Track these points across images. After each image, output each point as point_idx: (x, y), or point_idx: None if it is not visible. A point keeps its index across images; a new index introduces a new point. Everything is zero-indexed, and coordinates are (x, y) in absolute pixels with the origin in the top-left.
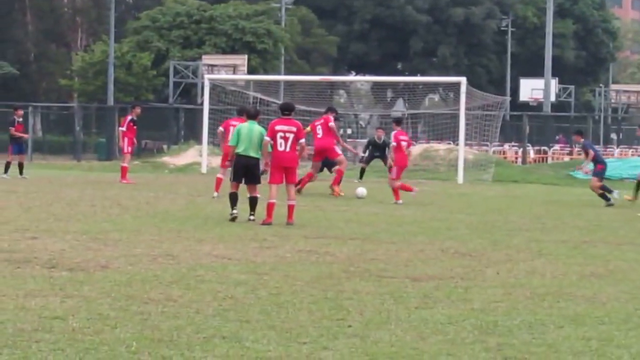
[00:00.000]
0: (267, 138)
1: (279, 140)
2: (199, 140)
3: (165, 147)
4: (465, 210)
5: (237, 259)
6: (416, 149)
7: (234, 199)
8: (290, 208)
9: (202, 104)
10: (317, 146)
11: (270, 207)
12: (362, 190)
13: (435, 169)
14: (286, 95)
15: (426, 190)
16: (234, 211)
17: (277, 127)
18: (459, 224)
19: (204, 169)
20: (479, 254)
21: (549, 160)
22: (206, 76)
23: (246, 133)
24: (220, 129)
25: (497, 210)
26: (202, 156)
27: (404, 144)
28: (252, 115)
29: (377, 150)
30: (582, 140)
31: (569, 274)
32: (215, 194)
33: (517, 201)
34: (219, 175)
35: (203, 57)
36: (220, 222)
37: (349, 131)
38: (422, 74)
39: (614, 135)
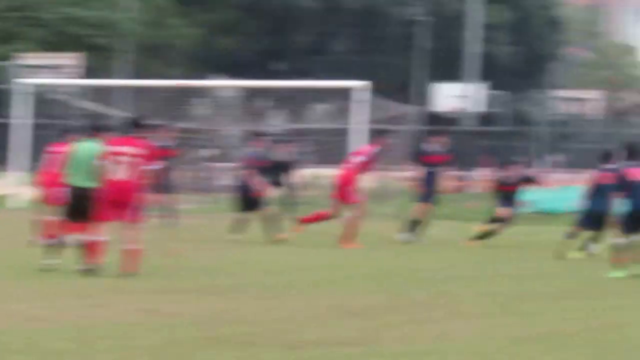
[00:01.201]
0: (99, 161)
1: (112, 165)
2: (8, 165)
3: None
4: (350, 254)
5: (56, 322)
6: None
7: (59, 243)
8: (129, 254)
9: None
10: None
11: (93, 247)
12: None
13: (322, 201)
14: (132, 106)
15: (311, 228)
16: (54, 260)
17: (112, 148)
18: (352, 272)
19: (16, 203)
20: (376, 313)
21: (475, 189)
22: (19, 80)
23: (82, 157)
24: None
25: (401, 254)
26: (16, 186)
27: None
28: (93, 132)
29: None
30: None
31: (491, 339)
32: (36, 238)
33: (428, 243)
34: (40, 217)
35: (16, 55)
36: (38, 274)
37: (211, 153)
38: (310, 77)
39: (558, 157)
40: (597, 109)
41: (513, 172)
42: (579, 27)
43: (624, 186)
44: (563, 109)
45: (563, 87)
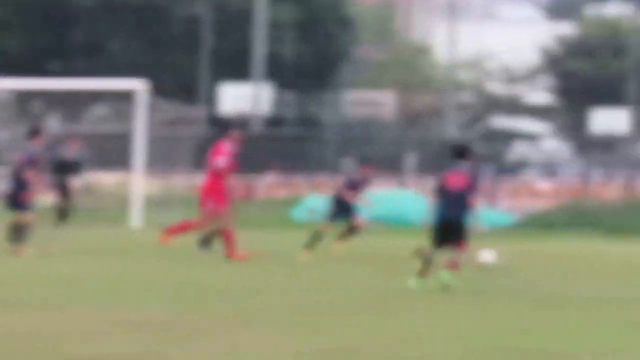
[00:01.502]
0: None
1: None
2: None
3: None
4: (146, 265)
5: None
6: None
7: None
8: None
9: None
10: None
11: None
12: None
13: (100, 208)
14: None
15: (95, 235)
16: None
17: None
18: (134, 284)
19: None
20: (163, 326)
21: (263, 196)
22: None
23: None
24: None
25: (189, 264)
26: None
27: None
28: None
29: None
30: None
31: (283, 352)
32: None
33: (219, 253)
34: None
35: None
36: None
37: None
38: (87, 77)
39: (348, 161)
40: (391, 110)
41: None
42: (371, 26)
43: (439, 193)
44: (355, 110)
45: (355, 87)
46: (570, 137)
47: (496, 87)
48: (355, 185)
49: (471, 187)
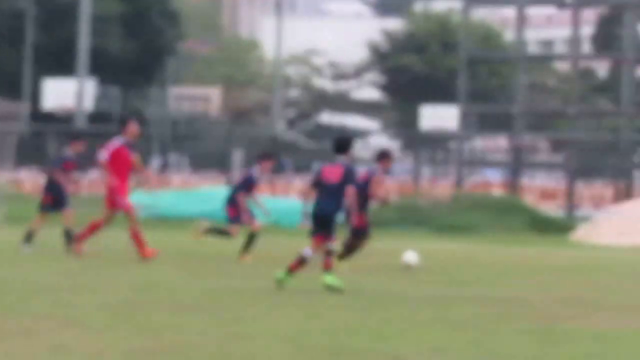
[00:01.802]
0: None
1: None
2: None
3: None
4: None
5: None
6: None
7: None
8: None
9: None
10: None
11: None
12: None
13: None
14: None
15: None
16: None
17: None
18: None
19: None
20: None
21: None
22: None
23: None
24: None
25: (12, 263)
26: None
27: None
28: None
29: None
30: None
31: (110, 351)
32: None
33: (45, 249)
34: None
35: None
36: None
37: None
38: None
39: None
40: (218, 106)
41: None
42: (198, 21)
43: (316, 187)
44: (181, 106)
45: (181, 83)
46: (400, 133)
47: (324, 84)
48: (252, 184)
49: (346, 181)
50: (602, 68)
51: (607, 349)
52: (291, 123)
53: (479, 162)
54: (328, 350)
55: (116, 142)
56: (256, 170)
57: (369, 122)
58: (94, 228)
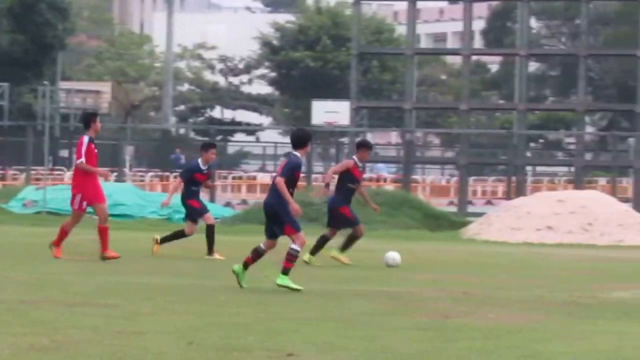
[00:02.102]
0: None
1: None
2: None
3: None
4: None
5: None
6: None
7: None
8: None
9: None
10: None
11: None
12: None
13: None
14: None
15: None
16: None
17: None
18: None
19: None
20: None
21: None
22: None
23: None
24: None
25: None
26: None
27: None
28: None
29: None
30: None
31: (1, 347)
32: None
33: None
34: None
35: None
36: None
37: None
38: None
39: (65, 153)
40: (109, 101)
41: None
42: (89, 15)
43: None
44: (71, 101)
45: (71, 77)
46: (291, 129)
47: (216, 78)
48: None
49: (280, 173)
50: (494, 62)
51: (499, 344)
52: (182, 118)
53: (371, 157)
54: (220, 347)
55: (85, 140)
56: (201, 161)
57: (260, 117)
58: (64, 232)
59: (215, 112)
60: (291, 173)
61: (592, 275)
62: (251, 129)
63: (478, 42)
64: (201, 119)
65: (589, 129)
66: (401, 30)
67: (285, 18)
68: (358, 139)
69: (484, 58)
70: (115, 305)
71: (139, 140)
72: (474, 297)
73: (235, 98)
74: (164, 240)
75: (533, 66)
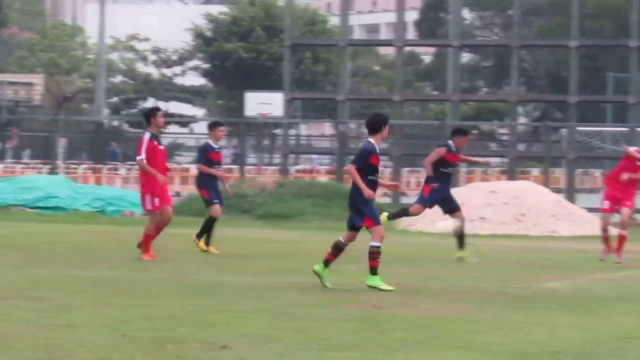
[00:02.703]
0: None
1: None
2: None
3: None
4: None
5: None
6: None
7: None
8: None
9: None
10: None
11: None
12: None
13: None
14: None
15: None
16: None
17: None
18: None
19: None
20: None
21: None
22: None
23: None
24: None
25: None
26: None
27: None
28: None
29: None
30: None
31: None
32: None
33: None
34: None
35: None
36: None
37: None
38: None
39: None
40: (41, 94)
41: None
42: (21, 7)
43: None
44: (3, 93)
45: (3, 70)
46: (225, 120)
47: (149, 70)
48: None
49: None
50: (427, 54)
51: (432, 334)
52: (115, 110)
53: (305, 149)
54: (153, 339)
55: (145, 137)
56: (211, 140)
57: (194, 109)
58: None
59: (149, 104)
60: (364, 160)
61: (525, 266)
62: (185, 121)
63: (411, 33)
64: (134, 110)
65: (522, 119)
66: (334, 21)
67: (218, 9)
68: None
69: (417, 49)
70: (47, 299)
71: (71, 133)
72: (407, 288)
73: (168, 90)
74: (202, 233)
75: (466, 57)
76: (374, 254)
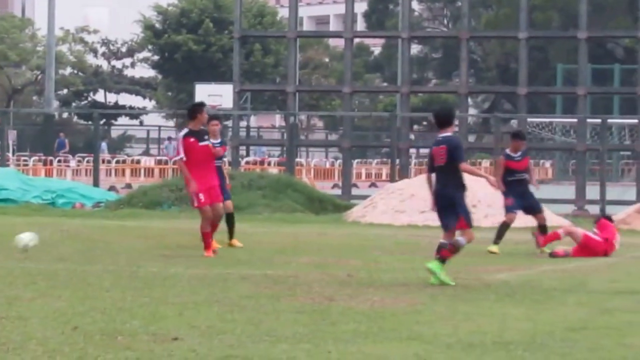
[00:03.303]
0: None
1: None
2: None
3: None
4: None
5: None
6: None
7: None
8: None
9: None
10: None
11: None
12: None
13: None
14: None
15: None
16: None
17: None
18: None
19: None
20: None
21: None
22: None
23: None
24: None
25: None
26: None
27: None
28: None
29: None
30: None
31: None
32: None
33: None
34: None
35: None
36: None
37: None
38: None
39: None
40: None
41: None
42: None
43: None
44: None
45: None
46: (174, 112)
47: (99, 62)
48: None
49: (452, 160)
50: (376, 45)
51: (384, 326)
52: (65, 102)
53: (255, 141)
54: (105, 332)
55: (180, 135)
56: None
57: (143, 100)
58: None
59: (99, 96)
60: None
61: (475, 257)
62: (135, 113)
63: (360, 25)
64: (84, 102)
65: (472, 111)
66: (283, 13)
67: (167, 1)
68: (511, 130)
69: (367, 41)
70: None
71: (21, 125)
72: (359, 280)
73: (118, 82)
74: (231, 232)
75: (415, 49)
76: (454, 248)
